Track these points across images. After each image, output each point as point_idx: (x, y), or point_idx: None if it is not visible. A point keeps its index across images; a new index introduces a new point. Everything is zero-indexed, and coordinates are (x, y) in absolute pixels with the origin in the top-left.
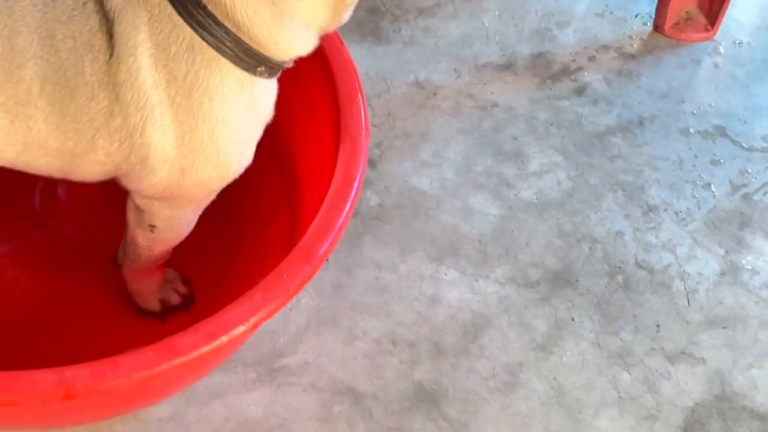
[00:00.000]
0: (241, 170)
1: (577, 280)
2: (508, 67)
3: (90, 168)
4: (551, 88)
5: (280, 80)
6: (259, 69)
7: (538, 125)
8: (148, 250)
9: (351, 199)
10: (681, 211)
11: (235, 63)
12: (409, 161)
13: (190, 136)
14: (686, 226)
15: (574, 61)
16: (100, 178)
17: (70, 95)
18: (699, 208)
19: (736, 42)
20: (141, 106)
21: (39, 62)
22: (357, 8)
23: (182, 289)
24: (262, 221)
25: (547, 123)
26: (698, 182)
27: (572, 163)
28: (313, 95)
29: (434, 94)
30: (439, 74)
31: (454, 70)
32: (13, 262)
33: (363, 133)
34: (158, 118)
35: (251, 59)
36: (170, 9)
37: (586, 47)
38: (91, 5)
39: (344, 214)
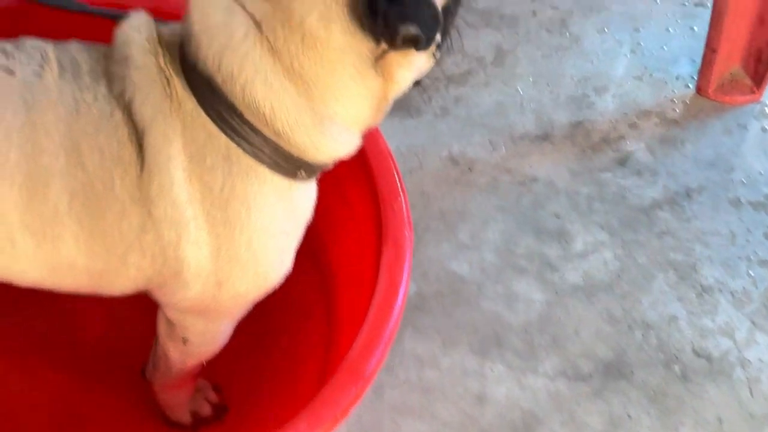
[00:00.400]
0: (282, 279)
1: (632, 372)
2: (545, 137)
3: (120, 284)
4: (592, 159)
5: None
6: (298, 173)
7: (580, 200)
8: (180, 363)
9: (397, 310)
10: (737, 291)
11: (274, 169)
12: (447, 243)
13: (226, 247)
14: (743, 307)
15: (614, 128)
16: (131, 292)
17: (100, 212)
18: (756, 287)
19: None
20: (175, 221)
21: (66, 178)
22: None
23: (213, 398)
24: (297, 324)
25: (589, 197)
26: (753, 258)
27: (618, 240)
28: (350, 192)
29: (469, 170)
30: (473, 147)
31: (489, 142)
32: (36, 365)
33: (406, 234)
34: (193, 232)
35: (290, 164)
36: (204, 117)
37: (625, 113)
38: (118, 115)
39: (390, 326)
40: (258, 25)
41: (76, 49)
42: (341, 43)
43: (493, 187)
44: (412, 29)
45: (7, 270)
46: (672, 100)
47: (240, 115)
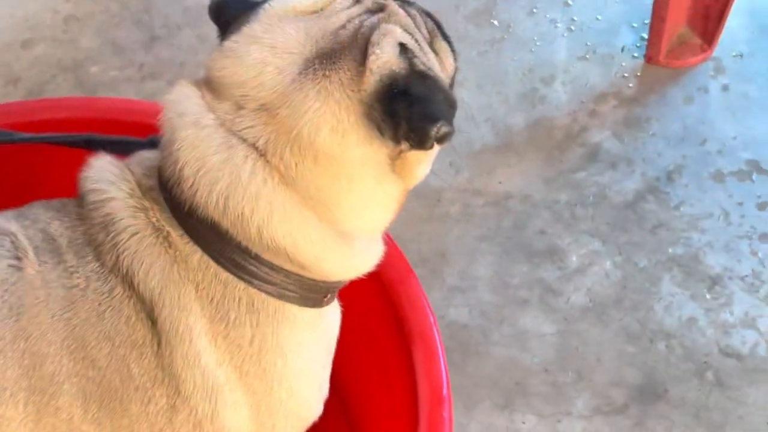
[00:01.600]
0: (322, 408)
1: (666, 390)
2: (507, 146)
3: None
4: (561, 161)
5: None
6: (325, 299)
7: (561, 210)
8: None
9: (448, 423)
10: (747, 275)
11: (302, 304)
12: (437, 290)
13: (266, 402)
14: (757, 291)
15: (574, 120)
16: None
17: (121, 407)
18: (764, 266)
19: (737, 55)
20: (208, 391)
21: (75, 381)
22: None
23: None
24: None
25: (570, 205)
26: (753, 235)
27: (613, 247)
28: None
29: (438, 201)
30: (434, 175)
31: (450, 164)
32: None
33: (431, 321)
34: (228, 396)
35: (317, 293)
36: (214, 266)
37: (581, 101)
38: (119, 291)
39: None
40: (262, 154)
41: (44, 219)
42: (359, 155)
43: (468, 215)
44: (443, 128)
45: None
46: (624, 76)
47: (256, 257)
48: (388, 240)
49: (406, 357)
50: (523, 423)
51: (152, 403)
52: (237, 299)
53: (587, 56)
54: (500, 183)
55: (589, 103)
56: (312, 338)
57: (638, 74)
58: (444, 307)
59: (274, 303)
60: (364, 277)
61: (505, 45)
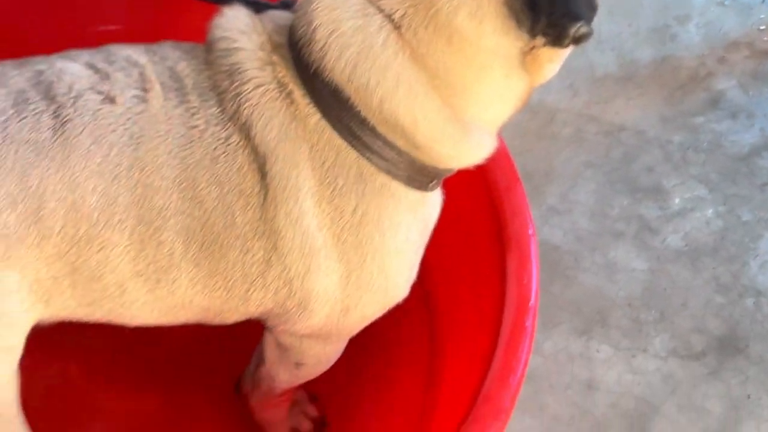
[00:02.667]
0: (408, 292)
1: (747, 346)
2: (629, 78)
3: (236, 318)
4: (682, 102)
5: None
6: (431, 184)
7: (673, 150)
8: (287, 384)
9: (530, 330)
10: None
11: (408, 184)
12: (536, 208)
13: (357, 274)
14: None
15: (702, 64)
16: (243, 320)
17: (220, 251)
18: None
19: None
20: (304, 252)
21: (181, 219)
22: None
23: (313, 411)
24: (396, 330)
25: (683, 147)
26: None
27: (719, 196)
28: (456, 183)
29: (551, 120)
30: (552, 93)
31: (570, 86)
32: (124, 379)
33: (530, 233)
34: (322, 262)
35: (425, 177)
36: (330, 132)
37: (713, 46)
38: (235, 139)
39: (526, 350)
40: (397, 27)
41: (172, 57)
42: (493, 44)
43: (579, 140)
44: (583, 28)
45: (114, 314)
46: (760, 29)
47: (373, 129)
48: (501, 146)
49: (499, 262)
50: (598, 352)
51: (250, 253)
52: (347, 167)
53: (726, 2)
54: (616, 113)
55: (719, 50)
56: (412, 220)
57: None
58: (540, 225)
59: (381, 178)
60: (473, 169)
61: None
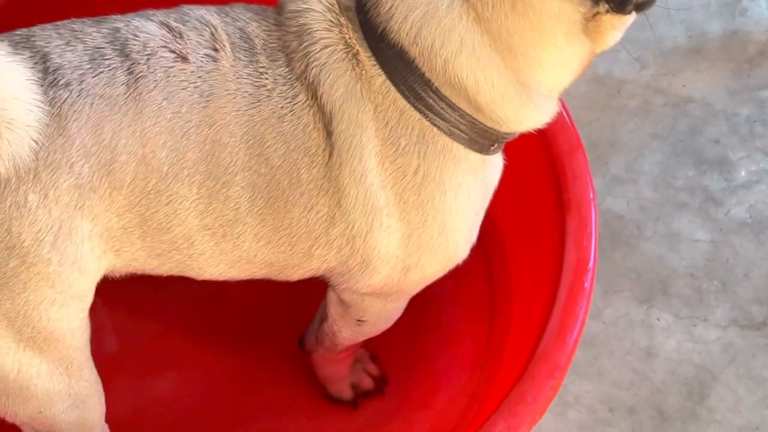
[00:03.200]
0: (467, 255)
1: None
2: (697, 51)
3: (300, 275)
4: (750, 76)
5: None
6: (492, 147)
7: (740, 123)
8: (349, 341)
9: (587, 292)
10: None
11: (469, 146)
12: (600, 177)
13: (418, 233)
14: None
15: None
16: (306, 277)
17: (284, 208)
18: None
19: None
20: (367, 210)
21: (247, 175)
22: None
23: (373, 369)
24: (455, 289)
25: (750, 120)
26: None
27: None
28: (518, 145)
29: (618, 92)
30: (620, 65)
31: (637, 59)
32: (195, 333)
33: (591, 197)
34: (384, 220)
35: (486, 139)
36: (394, 93)
37: None
38: (302, 99)
39: (582, 311)
40: None
41: (243, 18)
42: (555, 9)
43: (645, 111)
44: None
45: (182, 266)
46: None
47: (436, 91)
48: (563, 112)
49: (559, 224)
50: (658, 320)
51: (314, 210)
52: (410, 128)
53: None
54: (683, 86)
55: None
56: (472, 182)
57: None
58: (603, 195)
59: (443, 139)
60: (534, 134)
61: None
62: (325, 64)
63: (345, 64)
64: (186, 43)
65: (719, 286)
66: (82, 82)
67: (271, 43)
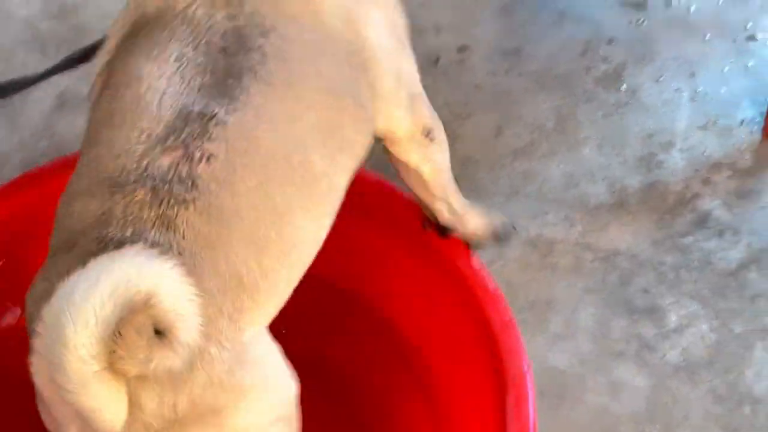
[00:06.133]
0: None
1: None
2: (620, 205)
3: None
4: (671, 225)
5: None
6: None
7: (666, 271)
8: (446, 165)
9: None
10: None
11: None
12: (540, 336)
13: None
14: None
15: (687, 187)
16: None
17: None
18: None
19: None
20: None
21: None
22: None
23: None
24: None
25: (675, 267)
26: None
27: (711, 311)
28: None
29: (550, 252)
30: (549, 227)
31: (565, 218)
32: None
33: (525, 369)
34: None
35: None
36: None
37: (696, 169)
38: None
39: None
40: None
41: None
42: None
43: (577, 268)
44: None
45: None
46: (740, 149)
47: None
48: (496, 288)
49: (499, 399)
50: None
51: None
52: None
53: (707, 126)
54: (610, 240)
55: (703, 172)
56: None
57: (755, 148)
58: (545, 353)
59: None
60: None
61: (629, 109)
62: None
63: None
64: None
65: (662, 429)
66: None
67: None
